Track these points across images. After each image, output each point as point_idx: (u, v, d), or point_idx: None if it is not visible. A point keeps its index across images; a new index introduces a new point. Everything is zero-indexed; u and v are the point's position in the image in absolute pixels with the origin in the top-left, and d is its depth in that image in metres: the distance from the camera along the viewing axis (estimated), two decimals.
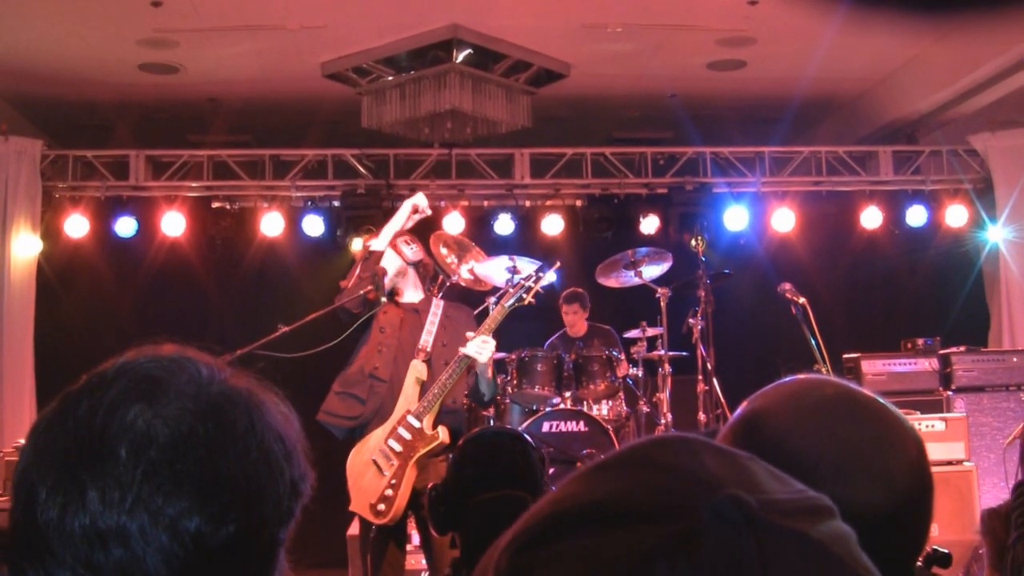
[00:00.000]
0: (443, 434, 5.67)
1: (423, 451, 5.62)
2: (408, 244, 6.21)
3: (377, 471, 5.74)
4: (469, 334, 5.82)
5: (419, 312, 6.08)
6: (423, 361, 5.89)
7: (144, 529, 1.14)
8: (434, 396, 5.74)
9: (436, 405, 5.75)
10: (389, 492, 5.67)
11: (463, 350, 5.72)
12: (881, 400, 1.61)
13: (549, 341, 9.59)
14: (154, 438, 1.17)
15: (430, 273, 6.36)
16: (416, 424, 5.73)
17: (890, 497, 1.49)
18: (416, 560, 7.13)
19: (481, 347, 5.72)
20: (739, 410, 1.63)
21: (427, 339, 5.96)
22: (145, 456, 1.15)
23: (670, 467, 0.86)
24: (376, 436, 5.79)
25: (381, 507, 5.68)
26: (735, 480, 0.84)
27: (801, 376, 1.67)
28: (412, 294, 6.18)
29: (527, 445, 3.43)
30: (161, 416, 1.18)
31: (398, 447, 5.71)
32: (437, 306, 6.13)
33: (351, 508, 5.85)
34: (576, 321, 9.55)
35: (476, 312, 8.10)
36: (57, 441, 1.18)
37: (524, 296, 6.10)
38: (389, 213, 10.63)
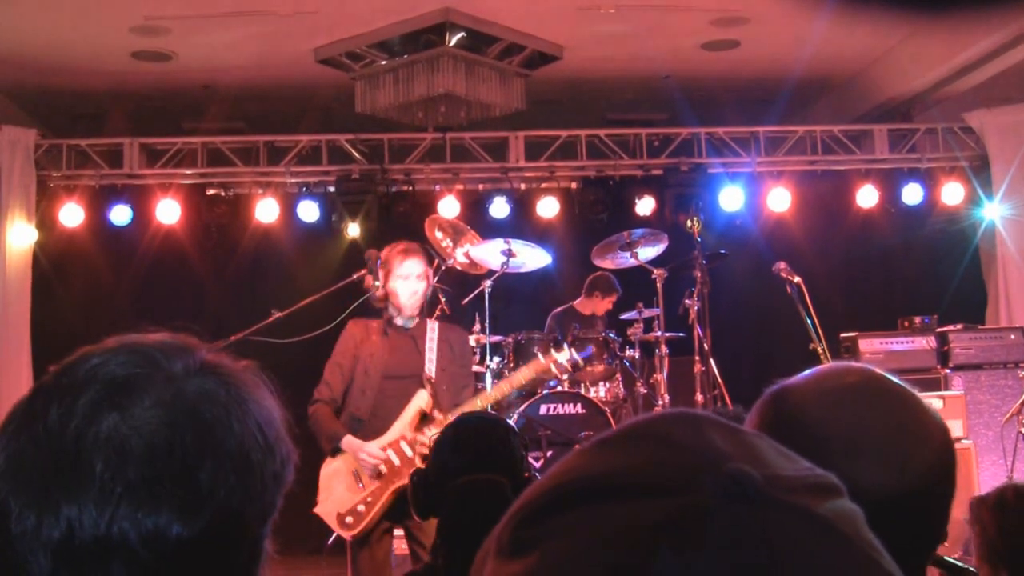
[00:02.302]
0: None
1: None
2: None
3: (355, 482, 5.65)
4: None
5: (415, 338, 5.93)
6: (428, 392, 5.76)
7: (124, 540, 1.11)
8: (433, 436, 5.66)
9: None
10: (361, 508, 5.60)
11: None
12: (909, 390, 1.63)
13: (556, 312, 9.60)
14: (130, 453, 1.13)
15: (428, 299, 6.15)
16: (409, 453, 5.64)
17: (900, 482, 1.49)
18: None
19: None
20: (772, 386, 1.67)
21: (430, 367, 5.82)
22: (122, 474, 1.12)
23: (673, 441, 0.85)
24: (355, 444, 5.66)
25: (349, 519, 5.61)
26: (740, 455, 0.83)
27: (836, 361, 1.71)
28: (409, 321, 5.98)
29: (508, 430, 3.44)
30: (136, 428, 1.14)
31: (384, 469, 5.62)
32: (432, 329, 5.98)
33: (316, 511, 5.73)
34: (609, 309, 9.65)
35: (469, 298, 8.16)
36: (28, 452, 1.15)
37: (548, 376, 6.38)
38: (383, 198, 10.69)
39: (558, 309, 9.68)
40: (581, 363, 6.56)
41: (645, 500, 0.79)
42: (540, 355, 6.53)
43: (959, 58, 10.26)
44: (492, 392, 6.15)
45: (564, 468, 0.87)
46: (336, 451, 5.69)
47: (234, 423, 1.21)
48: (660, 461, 0.83)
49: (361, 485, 5.63)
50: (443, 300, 7.03)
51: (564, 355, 6.38)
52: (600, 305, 9.65)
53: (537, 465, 6.55)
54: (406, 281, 5.82)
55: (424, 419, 5.74)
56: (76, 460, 1.12)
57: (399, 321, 5.93)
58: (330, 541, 6.27)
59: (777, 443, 0.89)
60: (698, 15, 9.62)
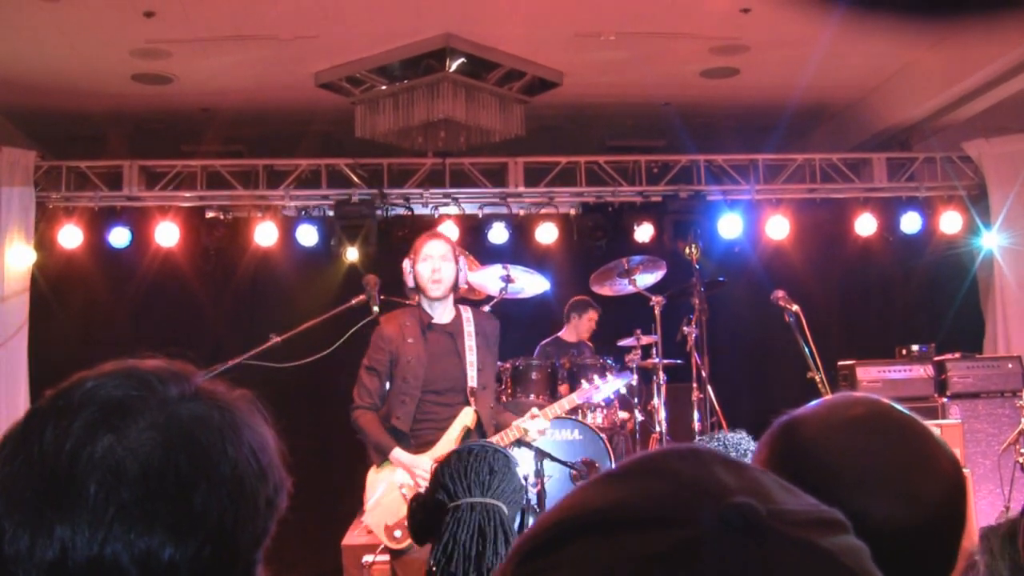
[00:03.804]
0: None
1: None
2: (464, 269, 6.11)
3: (402, 497, 5.66)
4: (535, 411, 5.93)
5: (453, 335, 5.96)
6: (473, 409, 5.82)
7: (116, 561, 1.11)
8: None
9: None
10: None
11: (521, 424, 5.82)
12: (918, 420, 1.62)
13: (541, 345, 9.60)
14: (124, 474, 1.13)
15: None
16: None
17: (912, 516, 1.49)
18: None
19: (540, 428, 5.91)
20: (780, 418, 1.67)
21: (472, 373, 5.87)
22: (116, 495, 1.12)
23: (678, 476, 0.85)
24: (407, 459, 5.72)
25: (398, 533, 5.66)
26: (744, 489, 0.83)
27: (845, 392, 1.71)
28: (444, 313, 6.01)
29: (508, 457, 3.44)
30: (131, 449, 1.14)
31: None
32: (468, 321, 6.02)
33: (364, 520, 5.85)
34: (592, 327, 9.66)
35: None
36: (22, 473, 1.15)
37: (595, 397, 6.69)
38: (382, 222, 10.70)
39: (545, 340, 9.69)
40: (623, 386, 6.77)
41: (646, 533, 0.80)
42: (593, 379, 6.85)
43: (957, 87, 10.28)
44: (555, 408, 6.22)
45: (569, 503, 0.88)
46: (383, 462, 5.75)
47: (228, 447, 1.20)
48: (662, 495, 0.83)
49: (408, 497, 5.65)
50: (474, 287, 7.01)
51: (618, 381, 6.52)
52: (582, 327, 9.67)
53: (535, 490, 6.53)
54: (426, 262, 5.88)
55: (468, 436, 5.80)
56: (70, 481, 1.12)
57: (435, 317, 5.95)
58: (378, 551, 6.34)
59: (781, 479, 0.89)
60: (698, 43, 9.65)
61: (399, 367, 5.82)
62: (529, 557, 0.84)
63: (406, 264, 5.99)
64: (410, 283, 5.97)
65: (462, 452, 3.54)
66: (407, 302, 6.15)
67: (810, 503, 0.86)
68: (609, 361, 8.67)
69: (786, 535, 0.79)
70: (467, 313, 6.05)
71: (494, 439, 5.73)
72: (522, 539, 0.87)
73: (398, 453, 5.69)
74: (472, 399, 5.82)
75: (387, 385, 5.89)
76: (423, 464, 5.62)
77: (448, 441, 5.74)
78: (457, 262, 5.98)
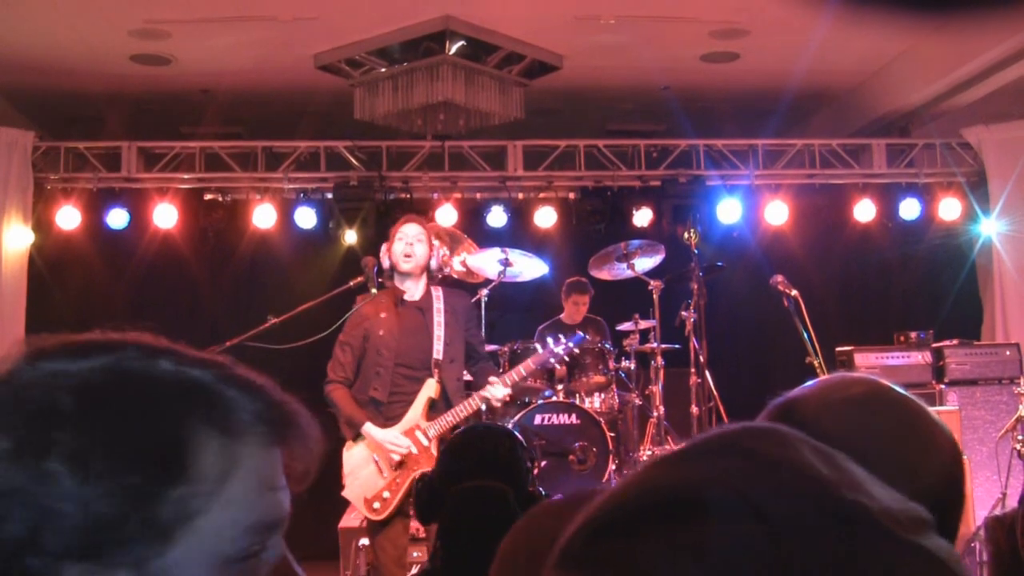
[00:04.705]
0: None
1: (426, 470, 5.70)
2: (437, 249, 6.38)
3: (377, 470, 5.95)
4: (493, 379, 6.14)
5: (423, 311, 6.21)
6: (436, 380, 6.06)
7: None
8: (446, 423, 5.98)
9: (445, 429, 6.01)
10: (387, 495, 5.90)
11: (483, 393, 6.09)
12: (914, 399, 1.62)
13: (542, 327, 9.59)
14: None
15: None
16: (424, 442, 5.95)
17: (911, 493, 1.48)
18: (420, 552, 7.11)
19: (500, 396, 6.16)
20: (777, 399, 1.66)
21: (438, 347, 6.12)
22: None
23: (762, 457, 0.81)
24: (379, 435, 5.95)
25: (377, 505, 5.90)
26: (843, 482, 0.79)
27: (841, 372, 1.69)
28: (416, 291, 6.26)
29: (514, 439, 3.45)
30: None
31: (405, 456, 5.94)
32: (438, 298, 6.26)
33: (344, 494, 6.05)
34: (584, 311, 9.59)
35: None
36: None
37: (553, 362, 6.80)
38: (381, 205, 10.68)
39: (545, 323, 9.68)
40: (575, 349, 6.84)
41: (741, 523, 0.75)
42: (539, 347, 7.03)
43: (957, 73, 10.26)
44: (513, 374, 6.38)
45: (642, 479, 0.83)
46: (356, 436, 5.99)
47: None
48: (751, 477, 0.78)
49: (383, 472, 5.93)
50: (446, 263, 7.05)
51: (568, 344, 6.69)
52: (579, 311, 9.64)
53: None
54: (399, 242, 6.17)
55: (433, 406, 6.06)
56: None
57: (407, 293, 6.20)
58: (360, 523, 6.50)
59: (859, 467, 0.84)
60: (698, 27, 9.63)
61: (372, 340, 6.08)
62: (602, 535, 0.80)
63: (383, 247, 6.28)
64: (385, 263, 6.23)
65: (466, 433, 3.54)
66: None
67: (900, 498, 0.83)
68: (607, 346, 8.70)
69: (903, 540, 0.76)
70: (438, 291, 6.31)
71: (460, 408, 6.01)
72: (589, 516, 0.82)
73: (369, 427, 5.94)
74: (436, 370, 6.07)
75: (361, 359, 6.12)
76: (392, 436, 5.92)
77: (415, 413, 6.01)
78: (431, 245, 6.29)
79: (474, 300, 7.85)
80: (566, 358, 6.83)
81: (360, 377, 6.11)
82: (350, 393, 6.07)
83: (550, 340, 6.68)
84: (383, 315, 6.12)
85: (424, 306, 6.21)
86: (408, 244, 6.17)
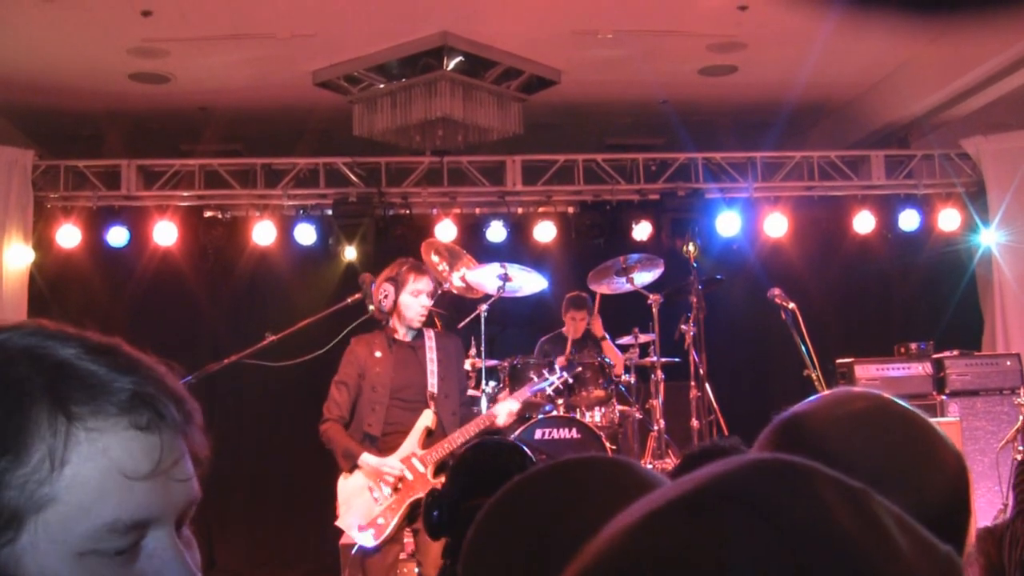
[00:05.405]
0: None
1: (421, 495, 5.73)
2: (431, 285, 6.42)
3: (372, 497, 6.01)
4: (501, 400, 6.52)
5: (415, 349, 6.30)
6: (433, 411, 6.17)
7: None
8: (442, 450, 6.07)
9: (442, 456, 6.10)
10: (381, 520, 5.97)
11: (491, 412, 6.38)
12: (920, 414, 1.62)
13: (543, 339, 9.57)
14: None
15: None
16: (420, 469, 6.03)
17: (918, 510, 1.48)
18: (408, 569, 7.14)
19: (506, 417, 6.42)
20: (782, 414, 1.65)
21: (432, 381, 6.22)
22: None
23: (780, 516, 0.69)
24: (374, 461, 6.02)
25: (371, 531, 5.97)
26: (877, 549, 0.69)
27: (845, 387, 1.70)
28: (409, 334, 6.34)
29: (525, 456, 3.44)
30: None
31: (400, 483, 6.01)
32: (429, 338, 6.36)
33: (338, 524, 6.13)
34: (582, 326, 9.56)
35: (465, 322, 8.17)
36: None
37: (547, 389, 7.21)
38: (380, 221, 10.69)
39: (546, 336, 9.66)
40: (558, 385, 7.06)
41: None
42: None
43: (955, 84, 10.28)
44: (518, 396, 6.78)
45: (629, 539, 0.72)
46: (353, 467, 6.04)
47: None
48: (775, 553, 0.66)
49: (378, 498, 5.98)
50: (439, 323, 7.04)
51: (551, 378, 7.08)
52: (578, 326, 9.61)
53: None
54: (418, 298, 6.21)
55: (430, 435, 6.14)
56: None
57: (400, 335, 6.27)
58: (354, 551, 6.54)
59: (896, 508, 0.75)
60: (696, 40, 9.64)
61: (367, 378, 6.15)
62: None
63: (388, 288, 6.22)
64: (387, 306, 6.21)
65: (479, 449, 3.53)
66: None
67: (931, 541, 0.75)
68: (607, 360, 8.68)
69: None
70: (429, 332, 6.41)
71: (457, 435, 6.11)
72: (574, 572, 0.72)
73: (366, 457, 6.01)
74: (432, 402, 6.17)
75: (357, 398, 6.20)
76: (390, 464, 5.99)
77: (411, 442, 6.09)
78: (434, 297, 6.40)
79: (473, 316, 7.86)
80: (561, 387, 7.01)
81: (355, 416, 6.18)
82: (344, 429, 6.15)
83: (534, 377, 7.13)
84: (378, 354, 6.21)
85: (416, 345, 6.32)
86: (424, 306, 6.23)
